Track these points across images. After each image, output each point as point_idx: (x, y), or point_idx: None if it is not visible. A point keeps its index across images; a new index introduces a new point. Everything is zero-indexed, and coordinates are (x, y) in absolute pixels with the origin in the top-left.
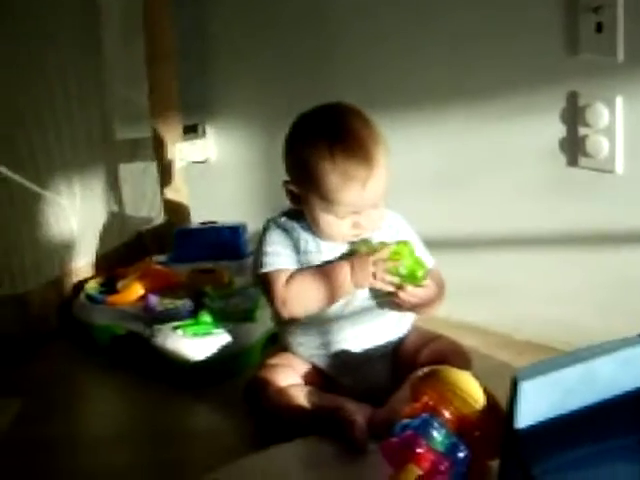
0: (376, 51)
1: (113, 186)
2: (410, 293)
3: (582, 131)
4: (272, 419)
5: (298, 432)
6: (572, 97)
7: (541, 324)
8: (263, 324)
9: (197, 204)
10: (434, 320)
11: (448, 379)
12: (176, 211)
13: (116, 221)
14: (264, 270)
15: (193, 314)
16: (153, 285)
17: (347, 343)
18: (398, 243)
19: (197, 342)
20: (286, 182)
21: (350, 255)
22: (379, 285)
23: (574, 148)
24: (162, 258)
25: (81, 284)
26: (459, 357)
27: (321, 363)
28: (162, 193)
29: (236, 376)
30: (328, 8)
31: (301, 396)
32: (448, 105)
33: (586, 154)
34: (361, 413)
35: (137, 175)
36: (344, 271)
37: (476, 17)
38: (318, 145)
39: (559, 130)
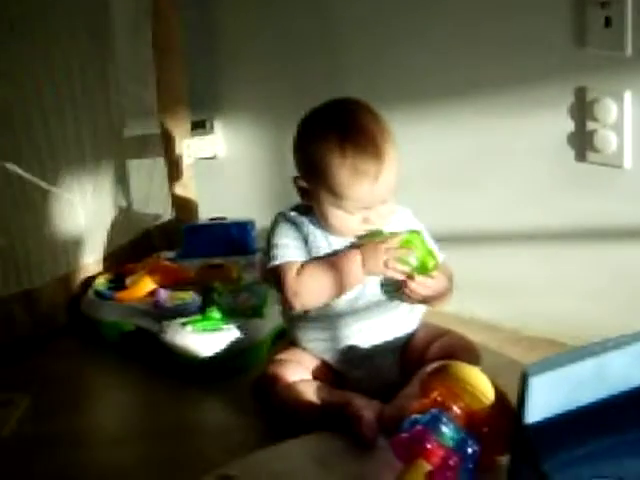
0: (386, 48)
1: (121, 182)
2: (420, 283)
3: (590, 126)
4: (281, 414)
5: (307, 427)
6: (580, 92)
7: (551, 319)
8: (272, 320)
9: (205, 200)
10: (443, 316)
11: (458, 374)
12: (184, 207)
13: (124, 217)
14: (275, 263)
15: (202, 310)
16: (162, 281)
17: (356, 338)
18: (410, 232)
19: (206, 338)
20: (296, 177)
21: (361, 244)
22: (390, 273)
23: (582, 143)
24: (170, 254)
25: (89, 280)
26: (468, 353)
27: (330, 358)
28: (170, 189)
29: (245, 372)
30: (339, 5)
31: (310, 391)
32: (456, 101)
33: (594, 149)
34: (370, 408)
35: (145, 171)
36: (355, 259)
37: (485, 14)
38: (328, 140)
39: (567, 125)
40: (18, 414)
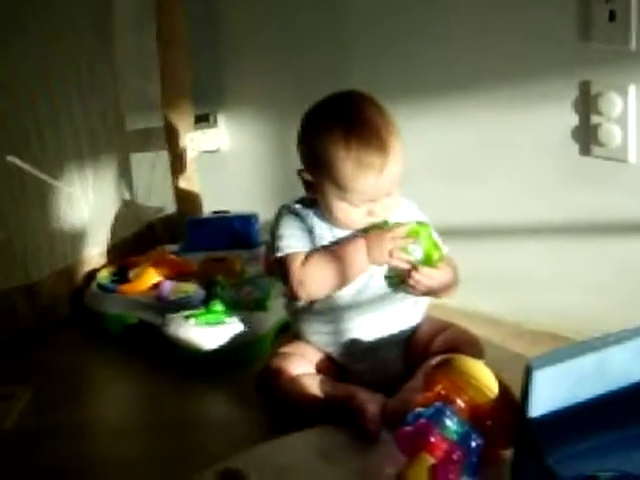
0: (390, 41)
1: (125, 175)
2: (425, 274)
3: (595, 120)
4: (284, 408)
5: (310, 421)
6: (585, 86)
7: (554, 313)
8: (275, 313)
9: (209, 193)
10: (447, 309)
11: (461, 368)
12: (188, 200)
13: (128, 210)
14: (280, 254)
15: (205, 303)
16: (165, 274)
17: (360, 331)
18: (417, 223)
19: (209, 331)
20: (300, 170)
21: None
22: (394, 263)
23: (587, 137)
24: (174, 247)
25: (93, 273)
26: (472, 346)
27: (334, 351)
28: (174, 182)
29: (248, 365)
30: None
31: (313, 385)
32: (460, 94)
33: (599, 143)
34: (374, 402)
35: (149, 164)
36: (360, 247)
37: (489, 8)
38: (333, 133)
39: (572, 119)
40: (20, 407)
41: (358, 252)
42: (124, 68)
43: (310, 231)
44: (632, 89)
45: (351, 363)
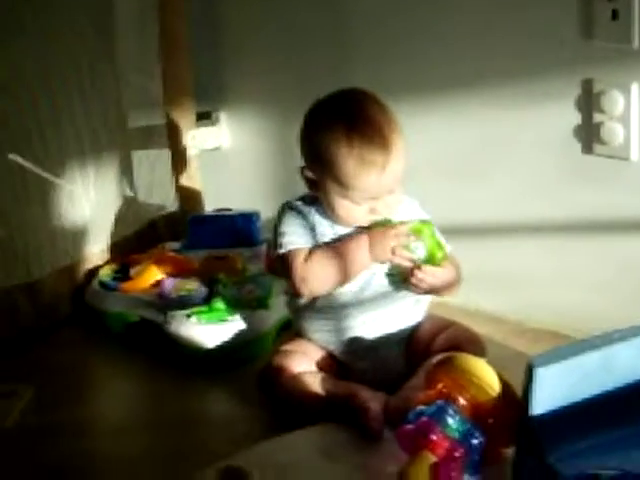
0: (392, 40)
1: (126, 173)
2: (428, 272)
3: (597, 118)
4: (286, 405)
5: (312, 419)
6: (587, 84)
7: (555, 311)
8: (277, 311)
9: (210, 191)
10: (449, 307)
11: (463, 366)
12: (189, 198)
13: (129, 208)
14: (282, 250)
15: (207, 301)
16: (166, 272)
17: (362, 329)
18: (420, 222)
19: (211, 329)
20: (302, 168)
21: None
22: (397, 260)
23: (589, 135)
24: (175, 245)
25: (94, 271)
26: (473, 344)
27: (336, 349)
28: (175, 180)
29: (250, 363)
30: None
31: (315, 383)
32: (463, 92)
33: (601, 141)
34: (376, 400)
35: (150, 162)
36: (362, 243)
37: (492, 6)
38: (335, 130)
39: (574, 117)
40: (21, 405)
41: (360, 249)
42: (126, 66)
43: (312, 228)
44: (634, 87)
45: (353, 361)
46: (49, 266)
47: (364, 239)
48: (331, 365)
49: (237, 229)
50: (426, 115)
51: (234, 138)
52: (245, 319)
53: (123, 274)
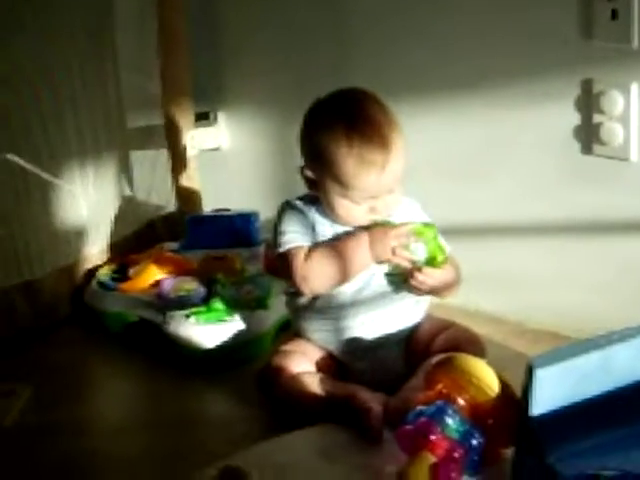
0: (392, 40)
1: (125, 173)
2: (428, 274)
3: (597, 118)
4: (285, 406)
5: (311, 419)
6: (587, 84)
7: (555, 312)
8: (275, 312)
9: (209, 192)
10: (448, 308)
11: (463, 367)
12: (188, 198)
13: (128, 208)
14: (282, 249)
15: (205, 301)
16: (165, 272)
17: (361, 329)
18: (423, 224)
19: (209, 329)
20: (302, 167)
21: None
22: (397, 260)
23: (589, 136)
24: (174, 245)
25: (93, 271)
26: (473, 345)
27: (335, 349)
28: (174, 180)
29: (249, 363)
30: None
31: (314, 383)
32: (462, 93)
33: (601, 142)
34: (376, 401)
35: (149, 162)
36: (363, 241)
37: (491, 6)
38: (334, 130)
39: (574, 118)
40: (20, 404)
41: (361, 247)
42: (124, 66)
43: (312, 227)
44: (634, 87)
45: (352, 361)
46: (48, 266)
47: (364, 238)
48: (330, 365)
49: (236, 229)
50: (426, 115)
51: (233, 138)
52: (244, 319)
53: (122, 274)
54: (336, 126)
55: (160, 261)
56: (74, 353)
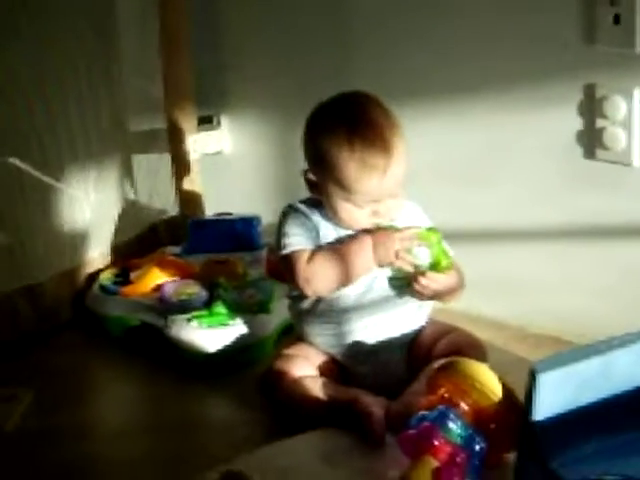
0: (394, 44)
1: (127, 177)
2: (432, 278)
3: (599, 123)
4: (287, 410)
5: (313, 423)
6: (589, 89)
7: (557, 317)
8: (277, 316)
9: (211, 195)
10: (451, 313)
11: (465, 371)
12: (190, 202)
13: (130, 212)
14: (286, 251)
15: (207, 305)
16: (167, 276)
17: (364, 333)
18: (427, 229)
19: (211, 333)
20: (305, 171)
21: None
22: (400, 264)
23: (591, 140)
24: (176, 249)
25: (95, 275)
26: (475, 350)
27: (337, 353)
28: (176, 184)
29: (251, 367)
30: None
31: (316, 387)
32: (465, 97)
33: (603, 146)
34: (378, 405)
35: (151, 166)
36: (366, 245)
37: (494, 11)
38: (337, 134)
39: (576, 122)
40: (22, 409)
41: (364, 250)
42: (127, 70)
43: (315, 231)
44: (637, 92)
45: (354, 365)
46: (50, 270)
47: (368, 240)
48: (332, 369)
49: (238, 233)
50: (428, 119)
51: (235, 142)
52: (246, 323)
53: (124, 278)
54: (338, 130)
55: (162, 265)
56: (76, 357)
